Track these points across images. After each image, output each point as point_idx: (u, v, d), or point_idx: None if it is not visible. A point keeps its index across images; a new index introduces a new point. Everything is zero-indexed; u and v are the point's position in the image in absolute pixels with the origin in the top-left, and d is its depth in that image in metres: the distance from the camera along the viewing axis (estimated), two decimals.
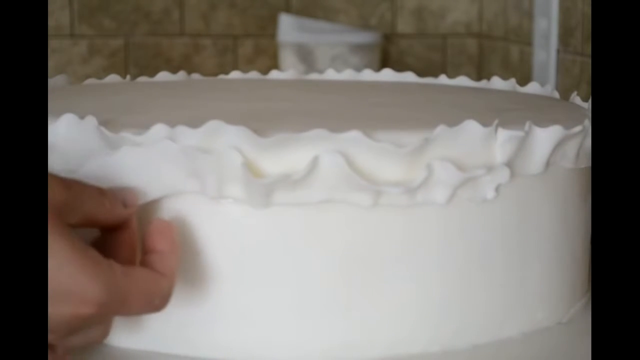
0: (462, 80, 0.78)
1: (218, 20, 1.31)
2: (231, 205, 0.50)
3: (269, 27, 1.31)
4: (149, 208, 0.50)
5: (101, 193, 0.46)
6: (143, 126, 0.50)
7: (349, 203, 0.49)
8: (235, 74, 0.83)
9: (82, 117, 0.51)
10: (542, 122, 0.53)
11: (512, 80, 0.75)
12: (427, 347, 0.53)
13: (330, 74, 0.82)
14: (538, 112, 0.62)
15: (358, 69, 0.89)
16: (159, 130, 0.49)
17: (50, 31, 1.26)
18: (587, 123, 0.55)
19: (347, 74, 0.82)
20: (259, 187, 0.48)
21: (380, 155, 0.49)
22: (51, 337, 0.43)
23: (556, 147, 0.53)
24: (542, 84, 0.76)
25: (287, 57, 1.25)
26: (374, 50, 1.26)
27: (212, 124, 0.48)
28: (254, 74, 0.83)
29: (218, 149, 0.48)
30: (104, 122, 0.51)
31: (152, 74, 0.80)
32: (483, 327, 0.54)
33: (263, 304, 0.51)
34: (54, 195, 0.43)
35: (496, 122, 0.51)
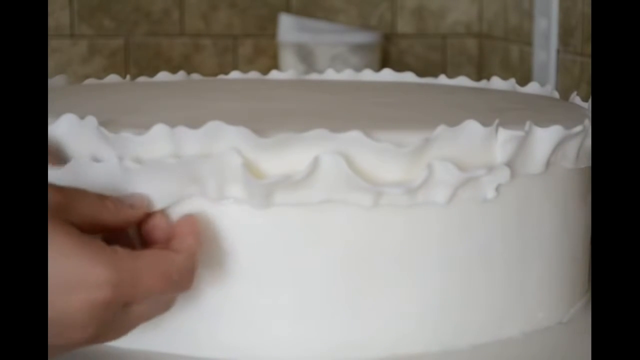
0: (462, 80, 0.78)
1: (218, 20, 1.31)
2: (232, 205, 0.50)
3: (269, 27, 1.31)
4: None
5: (100, 197, 0.46)
6: (143, 126, 0.50)
7: (349, 203, 0.49)
8: (235, 74, 0.83)
9: (82, 117, 0.51)
10: (543, 122, 0.53)
11: (512, 80, 0.75)
12: (428, 347, 0.52)
13: (330, 74, 0.82)
14: (538, 112, 0.62)
15: (358, 69, 0.89)
16: (159, 130, 0.49)
17: (50, 31, 1.26)
18: (587, 123, 0.55)
19: (347, 74, 0.82)
20: (259, 188, 0.48)
21: (381, 155, 0.49)
22: (87, 333, 0.43)
23: (556, 147, 0.53)
24: (542, 84, 0.76)
25: (287, 57, 1.25)
26: (374, 50, 1.26)
27: (212, 125, 0.48)
28: (253, 74, 0.83)
29: (218, 150, 0.48)
30: (104, 122, 0.51)
31: (152, 74, 0.80)
32: (483, 326, 0.54)
33: (263, 304, 0.51)
34: (49, 197, 0.43)
35: (497, 122, 0.51)
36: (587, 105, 0.64)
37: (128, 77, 0.77)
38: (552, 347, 0.55)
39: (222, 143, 0.48)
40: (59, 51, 1.28)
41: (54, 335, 0.42)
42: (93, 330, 0.43)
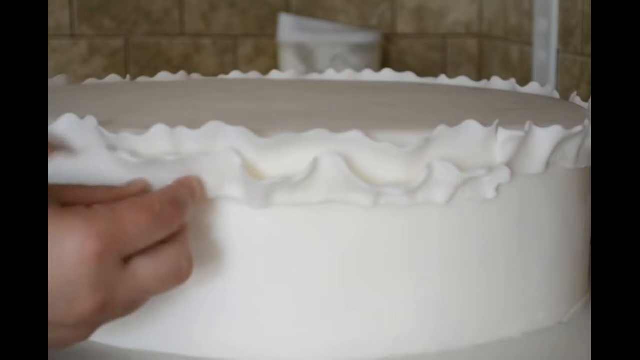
0: (462, 80, 0.78)
1: (218, 20, 1.31)
2: (231, 205, 0.50)
3: (269, 27, 1.31)
4: None
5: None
6: (143, 126, 0.50)
7: (349, 203, 0.49)
8: (234, 74, 0.83)
9: (82, 117, 0.51)
10: (543, 122, 0.53)
11: (512, 80, 0.75)
12: (428, 347, 0.53)
13: (330, 74, 0.82)
14: (538, 112, 0.62)
15: (358, 69, 0.89)
16: (158, 130, 0.49)
17: (50, 31, 1.26)
18: (587, 123, 0.55)
19: (347, 74, 0.82)
20: (258, 189, 0.48)
21: (381, 155, 0.49)
22: (96, 299, 0.42)
23: (556, 147, 0.53)
24: (542, 84, 0.76)
25: (287, 57, 1.25)
26: (374, 50, 1.26)
27: (212, 125, 0.48)
28: (253, 74, 0.83)
29: (217, 150, 0.48)
30: (104, 122, 0.51)
31: (152, 74, 0.80)
32: (483, 326, 0.54)
33: (263, 304, 0.51)
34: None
35: (497, 122, 0.51)
36: (587, 105, 0.64)
37: (128, 77, 0.77)
38: (552, 347, 0.55)
39: (222, 143, 0.48)
40: (59, 51, 1.28)
41: (64, 314, 0.42)
42: (100, 294, 0.43)
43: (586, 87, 0.97)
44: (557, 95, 0.71)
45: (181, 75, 0.80)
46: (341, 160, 0.48)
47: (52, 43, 1.27)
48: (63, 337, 0.44)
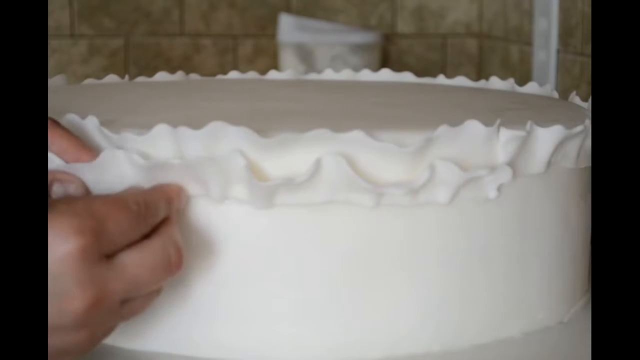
0: (461, 80, 0.78)
1: (218, 20, 1.31)
2: (234, 205, 0.50)
3: (269, 27, 1.31)
4: None
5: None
6: (144, 126, 0.50)
7: (351, 203, 0.49)
8: (233, 74, 0.83)
9: (82, 117, 0.51)
10: (543, 122, 0.53)
11: (511, 80, 0.75)
12: (429, 347, 0.53)
13: (329, 74, 0.82)
14: (538, 112, 0.62)
15: (358, 69, 0.89)
16: (161, 130, 0.49)
17: (50, 31, 1.26)
18: (588, 123, 0.55)
19: (346, 74, 0.82)
20: (261, 190, 0.48)
21: (383, 155, 0.49)
22: (86, 295, 0.42)
23: (558, 146, 0.53)
24: (542, 84, 0.76)
25: (287, 57, 1.25)
26: (374, 50, 1.26)
27: (214, 125, 0.48)
28: (252, 74, 0.83)
29: (220, 150, 0.48)
30: (105, 123, 0.51)
31: (152, 74, 0.80)
32: (484, 326, 0.54)
33: (264, 304, 0.51)
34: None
35: (498, 121, 0.51)
36: (587, 105, 0.64)
37: (127, 77, 0.77)
38: (552, 347, 0.55)
39: (224, 143, 0.48)
40: (59, 51, 1.28)
41: (58, 313, 0.42)
42: (89, 289, 0.42)
43: (586, 87, 0.97)
44: (556, 95, 0.71)
45: (179, 75, 0.80)
46: (343, 161, 0.48)
47: (52, 43, 1.27)
48: (65, 345, 0.43)
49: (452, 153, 0.50)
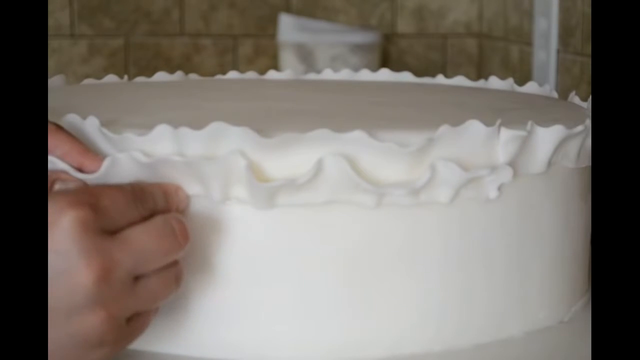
0: (460, 80, 0.78)
1: (218, 20, 1.31)
2: (235, 205, 0.50)
3: (269, 27, 1.31)
4: None
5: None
6: (145, 127, 0.50)
7: (352, 203, 0.49)
8: (232, 74, 0.83)
9: (82, 117, 0.51)
10: (544, 122, 0.53)
11: (510, 80, 0.75)
12: (430, 347, 0.53)
13: (328, 74, 0.82)
14: (538, 111, 0.62)
15: (358, 69, 0.89)
16: (162, 131, 0.49)
17: (50, 31, 1.26)
18: (588, 122, 0.55)
19: (345, 74, 0.82)
20: (263, 191, 0.48)
21: (384, 155, 0.49)
22: (94, 267, 0.42)
23: (558, 146, 0.53)
24: (542, 84, 0.76)
25: (287, 57, 1.25)
26: (374, 50, 1.26)
27: (215, 125, 0.48)
28: (251, 74, 0.83)
29: (221, 151, 0.48)
30: (105, 123, 0.51)
31: (152, 74, 0.80)
32: (485, 326, 0.54)
33: (265, 304, 0.51)
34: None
35: (499, 121, 0.51)
36: (586, 105, 0.64)
37: (126, 77, 0.77)
38: (553, 347, 0.55)
39: (225, 143, 0.48)
40: (59, 51, 1.28)
41: (68, 290, 0.42)
42: (95, 261, 0.43)
43: (586, 87, 0.97)
44: (555, 95, 0.71)
45: (179, 75, 0.80)
46: (345, 162, 0.48)
47: (52, 43, 1.27)
48: (86, 330, 0.43)
49: (453, 153, 0.50)
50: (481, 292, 0.53)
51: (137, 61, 1.30)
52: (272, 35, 1.31)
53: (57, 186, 0.49)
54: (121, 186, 0.46)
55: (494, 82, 0.76)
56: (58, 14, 1.27)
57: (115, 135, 0.50)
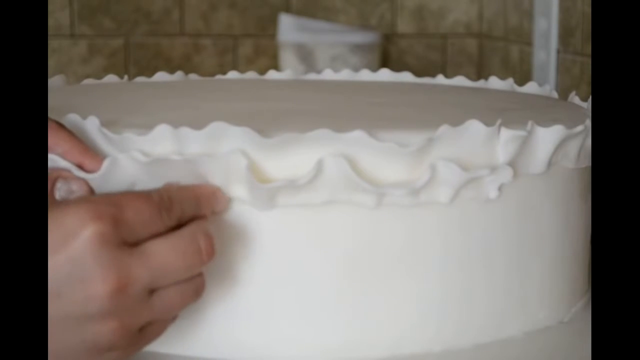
0: (460, 80, 0.78)
1: (218, 20, 1.31)
2: (235, 205, 0.50)
3: (269, 27, 1.31)
4: None
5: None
6: (145, 127, 0.50)
7: (352, 203, 0.49)
8: (232, 74, 0.83)
9: (82, 117, 0.51)
10: (544, 122, 0.53)
11: (510, 80, 0.75)
12: (430, 347, 0.53)
13: (328, 74, 0.82)
14: (538, 111, 0.62)
15: (358, 69, 0.89)
16: (162, 131, 0.49)
17: (50, 31, 1.26)
18: (588, 122, 0.55)
19: (345, 74, 0.82)
20: (263, 192, 0.48)
21: (384, 155, 0.49)
22: (109, 281, 0.42)
23: (558, 146, 0.53)
24: (542, 84, 0.76)
25: (287, 57, 1.25)
26: (374, 50, 1.26)
27: (216, 125, 0.48)
28: (251, 74, 0.83)
29: (221, 151, 0.48)
30: (105, 123, 0.51)
31: (152, 74, 0.80)
32: (485, 326, 0.54)
33: (265, 304, 0.51)
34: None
35: (499, 121, 0.51)
36: (586, 105, 0.64)
37: (126, 77, 0.77)
38: (553, 347, 0.55)
39: (226, 143, 0.48)
40: (59, 51, 1.28)
41: (82, 298, 0.42)
42: (111, 273, 0.42)
43: (586, 87, 0.97)
44: (555, 95, 0.71)
45: (179, 75, 0.80)
46: (345, 162, 0.48)
47: (52, 43, 1.27)
48: (97, 337, 0.43)
49: (453, 153, 0.50)
50: (481, 292, 0.53)
51: (137, 61, 1.30)
52: (272, 35, 1.31)
53: (59, 184, 0.49)
54: (148, 195, 0.45)
55: (494, 82, 0.76)
56: (58, 14, 1.27)
57: (115, 135, 0.50)
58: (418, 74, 0.82)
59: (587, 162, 0.57)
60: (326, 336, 0.51)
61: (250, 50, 1.32)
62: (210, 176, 0.49)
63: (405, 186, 0.49)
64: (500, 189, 0.52)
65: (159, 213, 0.45)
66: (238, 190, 0.49)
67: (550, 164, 0.54)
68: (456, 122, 0.50)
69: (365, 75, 0.81)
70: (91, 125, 0.51)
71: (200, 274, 0.47)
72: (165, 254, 0.44)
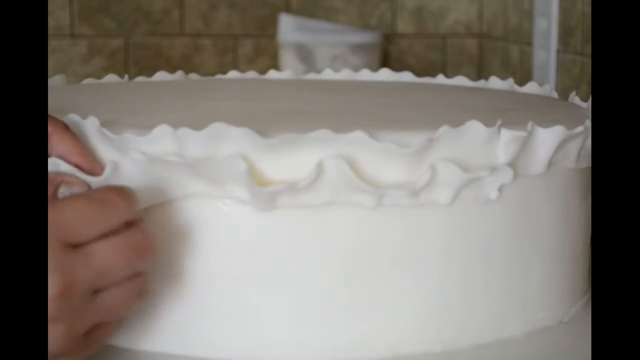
0: (460, 80, 0.78)
1: (218, 20, 1.31)
2: (234, 206, 0.50)
3: (269, 27, 1.31)
4: (154, 209, 0.50)
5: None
6: (145, 127, 0.50)
7: (352, 204, 0.49)
8: (232, 74, 0.83)
9: (83, 117, 0.51)
10: (544, 122, 0.53)
11: (510, 80, 0.75)
12: (430, 347, 0.53)
13: (328, 74, 0.82)
14: (539, 112, 0.62)
15: (358, 69, 0.89)
16: (162, 131, 0.49)
17: (50, 31, 1.26)
18: (588, 123, 0.55)
19: (345, 74, 0.82)
20: (263, 194, 0.48)
21: (384, 156, 0.49)
22: (58, 281, 0.42)
23: (558, 147, 0.53)
24: (542, 84, 0.76)
25: (287, 57, 1.25)
26: (374, 50, 1.26)
27: (216, 126, 0.48)
28: (251, 74, 0.83)
29: (221, 151, 0.48)
30: (105, 123, 0.51)
31: (152, 74, 0.80)
32: (485, 326, 0.54)
33: (265, 304, 0.51)
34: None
35: (499, 122, 0.51)
36: (586, 105, 0.64)
37: (126, 77, 0.77)
38: (553, 347, 0.55)
39: (226, 144, 0.48)
40: (59, 51, 1.28)
41: None
42: (56, 276, 0.42)
43: (586, 87, 0.97)
44: (555, 95, 0.71)
45: (179, 75, 0.80)
46: (345, 164, 0.48)
47: (52, 43, 1.27)
48: (50, 344, 0.42)
49: (453, 153, 0.50)
50: (481, 292, 0.53)
51: (137, 61, 1.30)
52: (272, 35, 1.31)
53: (62, 189, 0.49)
54: (89, 196, 0.45)
55: (494, 82, 0.76)
56: (58, 14, 1.27)
57: (115, 136, 0.50)
58: (418, 74, 0.82)
59: (587, 162, 0.57)
60: (326, 337, 0.51)
61: (250, 50, 1.32)
62: (210, 177, 0.49)
63: (406, 187, 0.49)
64: (500, 189, 0.52)
65: (100, 213, 0.44)
66: (238, 191, 0.49)
67: (550, 164, 0.54)
68: (456, 122, 0.50)
69: (365, 75, 0.81)
70: (91, 126, 0.51)
71: (142, 274, 0.46)
72: (107, 254, 0.44)
